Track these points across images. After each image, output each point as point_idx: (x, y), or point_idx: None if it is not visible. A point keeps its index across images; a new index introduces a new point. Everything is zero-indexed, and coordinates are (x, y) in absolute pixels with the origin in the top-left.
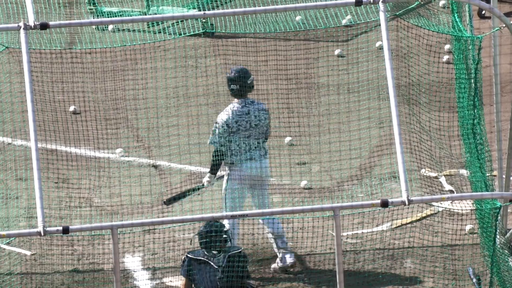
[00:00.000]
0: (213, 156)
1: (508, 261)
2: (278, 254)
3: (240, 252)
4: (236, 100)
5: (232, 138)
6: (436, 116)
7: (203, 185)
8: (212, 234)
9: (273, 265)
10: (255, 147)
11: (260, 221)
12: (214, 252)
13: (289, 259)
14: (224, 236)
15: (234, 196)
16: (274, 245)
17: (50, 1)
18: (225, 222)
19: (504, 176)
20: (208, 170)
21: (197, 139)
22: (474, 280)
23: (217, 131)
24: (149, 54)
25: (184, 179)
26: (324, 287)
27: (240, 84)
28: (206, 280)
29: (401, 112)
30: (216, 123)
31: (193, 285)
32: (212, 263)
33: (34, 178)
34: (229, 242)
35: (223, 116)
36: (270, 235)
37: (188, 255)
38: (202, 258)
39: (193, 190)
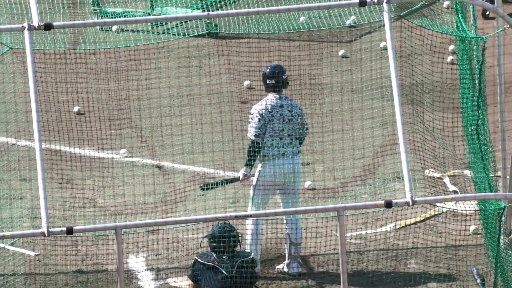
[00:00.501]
0: (248, 148)
1: None
2: (287, 258)
3: (249, 258)
4: (270, 94)
5: (266, 130)
6: (440, 117)
7: (238, 178)
8: (223, 237)
9: (278, 267)
10: (288, 143)
11: (284, 221)
12: (224, 257)
13: (297, 269)
14: (234, 239)
15: (263, 193)
16: (286, 249)
17: (54, 2)
18: (248, 223)
19: (508, 177)
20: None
21: (201, 140)
22: (478, 280)
23: (252, 122)
24: (153, 54)
25: (187, 180)
26: (328, 286)
27: (276, 80)
28: (214, 286)
29: (404, 113)
30: (250, 114)
31: None
32: (221, 269)
33: (38, 179)
34: (239, 245)
35: (257, 106)
36: (287, 238)
37: (198, 259)
38: (212, 264)
39: (227, 182)
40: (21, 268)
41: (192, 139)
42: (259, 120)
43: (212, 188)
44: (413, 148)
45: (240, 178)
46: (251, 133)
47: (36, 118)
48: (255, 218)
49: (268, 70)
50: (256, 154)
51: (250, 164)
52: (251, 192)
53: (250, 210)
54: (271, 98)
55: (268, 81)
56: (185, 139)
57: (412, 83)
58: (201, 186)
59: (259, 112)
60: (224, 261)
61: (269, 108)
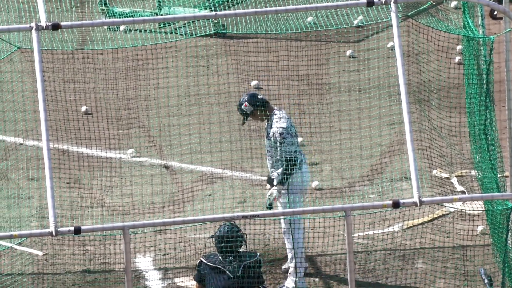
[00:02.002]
0: (286, 167)
1: None
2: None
3: (255, 259)
4: (274, 109)
5: (294, 141)
6: (448, 117)
7: (270, 204)
8: (228, 239)
9: (284, 266)
10: (301, 150)
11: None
12: (230, 258)
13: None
14: (239, 239)
15: (298, 200)
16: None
17: (62, 2)
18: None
19: None
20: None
21: (208, 139)
22: (486, 281)
23: (286, 141)
24: (161, 54)
25: (195, 180)
26: (336, 286)
27: (263, 99)
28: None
29: (412, 113)
30: (280, 134)
31: None
32: (227, 271)
33: (46, 178)
34: (245, 245)
35: (282, 125)
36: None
37: (203, 261)
38: (217, 266)
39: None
40: (29, 268)
41: (200, 138)
42: (292, 136)
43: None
44: (421, 148)
45: (275, 196)
46: (290, 153)
47: (44, 118)
48: (294, 230)
49: (252, 95)
50: (293, 170)
51: (285, 182)
52: (281, 204)
53: (287, 222)
54: (279, 112)
55: (258, 101)
56: (193, 139)
57: (419, 83)
58: (267, 207)
59: (287, 128)
60: (229, 262)
61: (290, 120)
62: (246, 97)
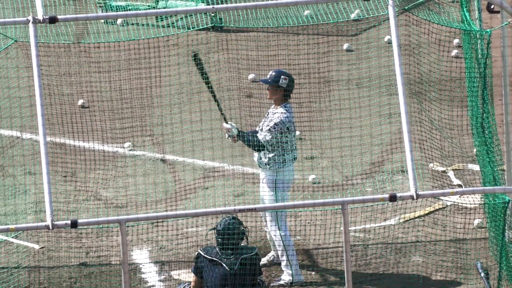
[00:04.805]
0: (256, 141)
1: None
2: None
3: (253, 253)
4: (288, 101)
5: (287, 138)
6: (446, 111)
7: (224, 117)
8: (228, 232)
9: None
10: (295, 148)
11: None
12: (229, 251)
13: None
14: (239, 232)
15: (285, 197)
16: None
17: None
18: (277, 235)
19: None
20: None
21: (209, 134)
22: (482, 274)
23: (274, 131)
24: (157, 48)
25: (192, 173)
26: (332, 279)
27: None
28: (216, 281)
29: (410, 107)
30: (276, 124)
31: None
32: (224, 265)
33: (43, 172)
34: (246, 240)
35: (284, 118)
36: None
37: (201, 253)
38: (215, 259)
39: (216, 101)
40: (25, 261)
41: (192, 134)
42: (282, 133)
43: (201, 66)
44: (419, 143)
45: (229, 124)
46: (267, 138)
47: (41, 112)
48: (284, 233)
49: (291, 79)
50: (253, 150)
51: (243, 136)
52: (269, 201)
53: (274, 220)
54: (290, 108)
55: (290, 90)
56: (191, 133)
57: (417, 78)
58: (194, 55)
59: (286, 125)
60: (227, 255)
61: (293, 118)
62: (285, 75)
